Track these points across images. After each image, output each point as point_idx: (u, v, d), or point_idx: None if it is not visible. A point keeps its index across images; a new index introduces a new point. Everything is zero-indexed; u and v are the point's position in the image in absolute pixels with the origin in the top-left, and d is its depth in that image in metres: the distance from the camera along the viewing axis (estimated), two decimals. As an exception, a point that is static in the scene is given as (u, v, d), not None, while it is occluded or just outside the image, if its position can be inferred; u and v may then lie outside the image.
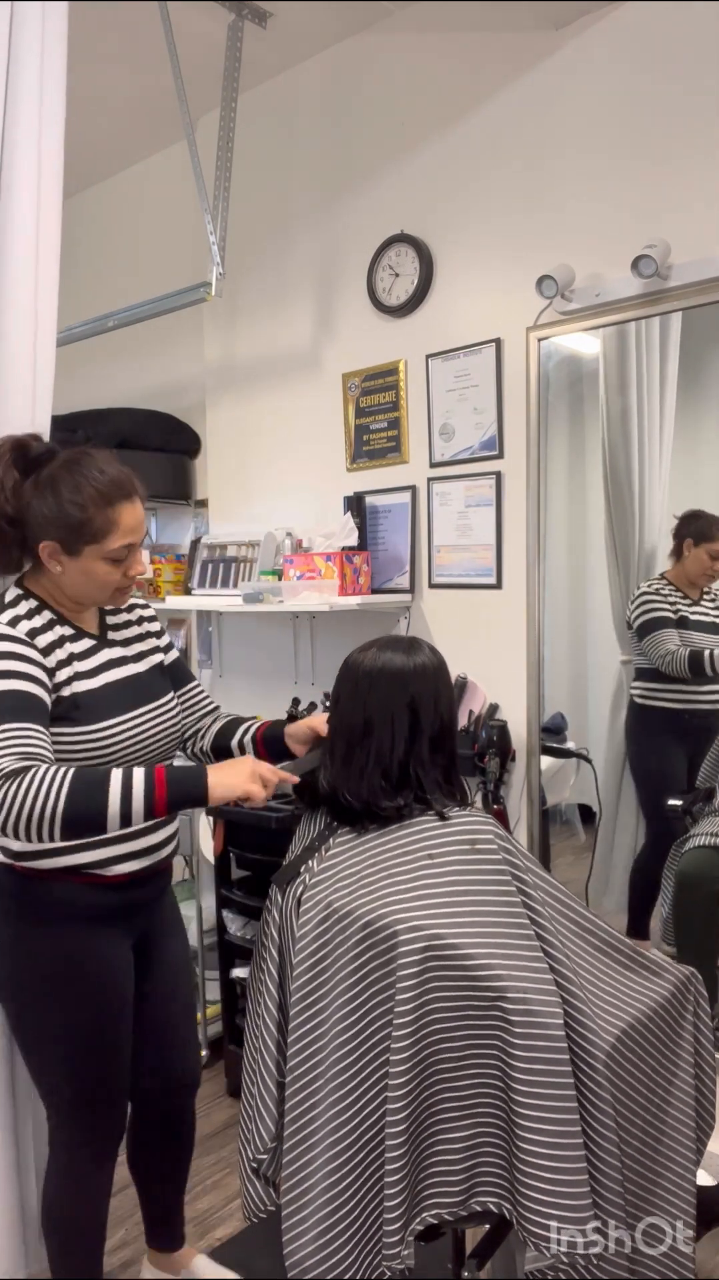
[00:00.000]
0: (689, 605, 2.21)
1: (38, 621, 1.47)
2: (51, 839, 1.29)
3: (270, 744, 1.66)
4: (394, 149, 2.60)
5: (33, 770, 1.27)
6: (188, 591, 3.10)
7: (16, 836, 1.28)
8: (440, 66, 2.48)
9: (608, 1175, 1.15)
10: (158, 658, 1.65)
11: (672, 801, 2.18)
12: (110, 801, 1.29)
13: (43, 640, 1.46)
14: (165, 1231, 1.87)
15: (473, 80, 2.41)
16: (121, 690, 1.53)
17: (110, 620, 1.62)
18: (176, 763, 1.52)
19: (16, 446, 1.48)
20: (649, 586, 2.25)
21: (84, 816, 1.28)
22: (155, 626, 1.70)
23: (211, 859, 2.66)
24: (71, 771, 1.29)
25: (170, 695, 1.64)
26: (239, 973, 2.61)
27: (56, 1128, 1.61)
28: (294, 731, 1.62)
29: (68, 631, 1.50)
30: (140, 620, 1.67)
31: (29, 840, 1.28)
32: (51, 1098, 1.59)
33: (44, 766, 1.29)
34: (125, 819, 1.30)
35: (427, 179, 2.53)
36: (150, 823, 1.52)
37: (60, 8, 1.73)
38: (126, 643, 1.60)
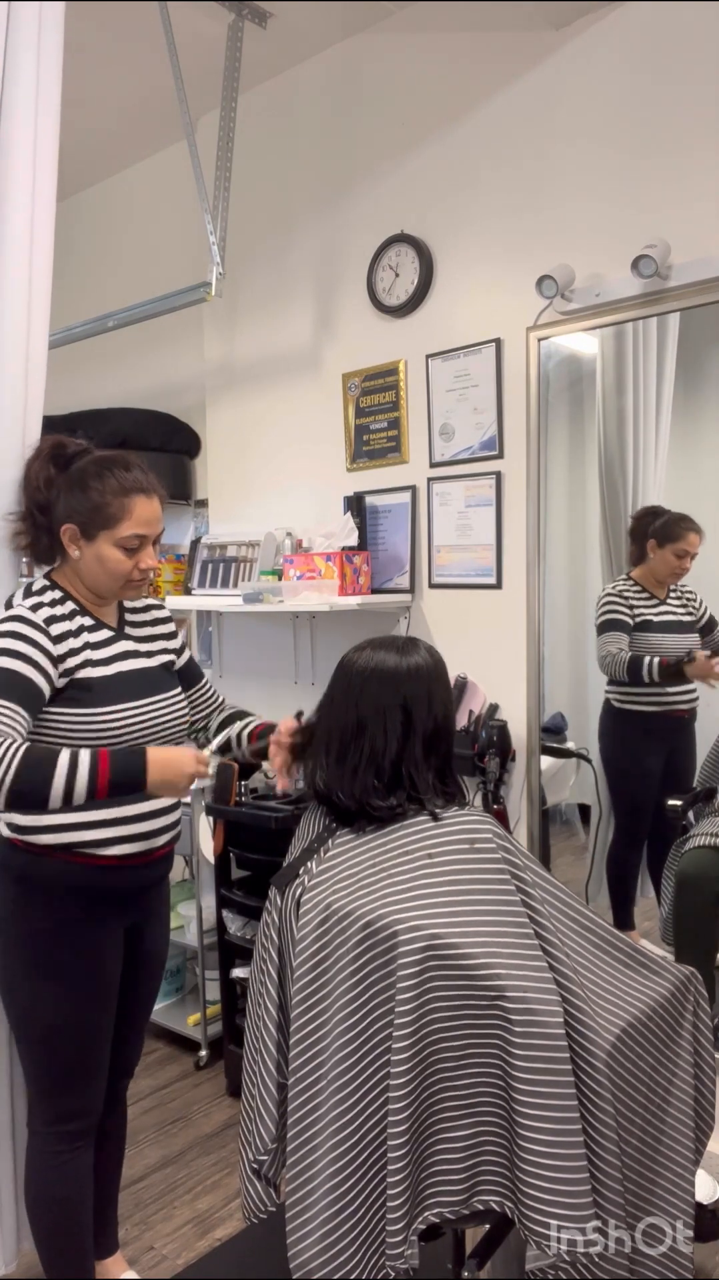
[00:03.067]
0: (654, 606, 2.22)
1: (59, 610, 1.57)
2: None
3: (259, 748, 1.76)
4: (394, 149, 2.60)
5: None
6: (188, 591, 3.10)
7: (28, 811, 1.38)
8: (440, 66, 2.48)
9: (608, 1174, 1.15)
10: (169, 657, 1.75)
11: (671, 801, 2.19)
12: (56, 779, 1.38)
13: (59, 627, 1.55)
14: (98, 1234, 1.84)
15: (473, 80, 2.41)
16: (132, 679, 1.62)
17: (129, 618, 1.72)
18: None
19: (56, 445, 1.66)
20: (613, 588, 2.27)
21: (28, 791, 1.37)
22: (169, 628, 1.79)
23: (211, 859, 2.66)
24: (25, 747, 1.39)
25: (178, 690, 1.73)
26: (239, 973, 2.61)
27: (35, 1105, 1.65)
28: (280, 739, 1.68)
29: (88, 622, 1.61)
30: (155, 622, 1.77)
31: None
32: (33, 1071, 1.63)
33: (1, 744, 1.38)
34: (68, 797, 1.39)
35: (427, 179, 2.53)
36: (147, 807, 1.61)
37: (57, 8, 1.73)
38: (141, 640, 1.70)
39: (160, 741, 1.65)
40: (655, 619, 2.21)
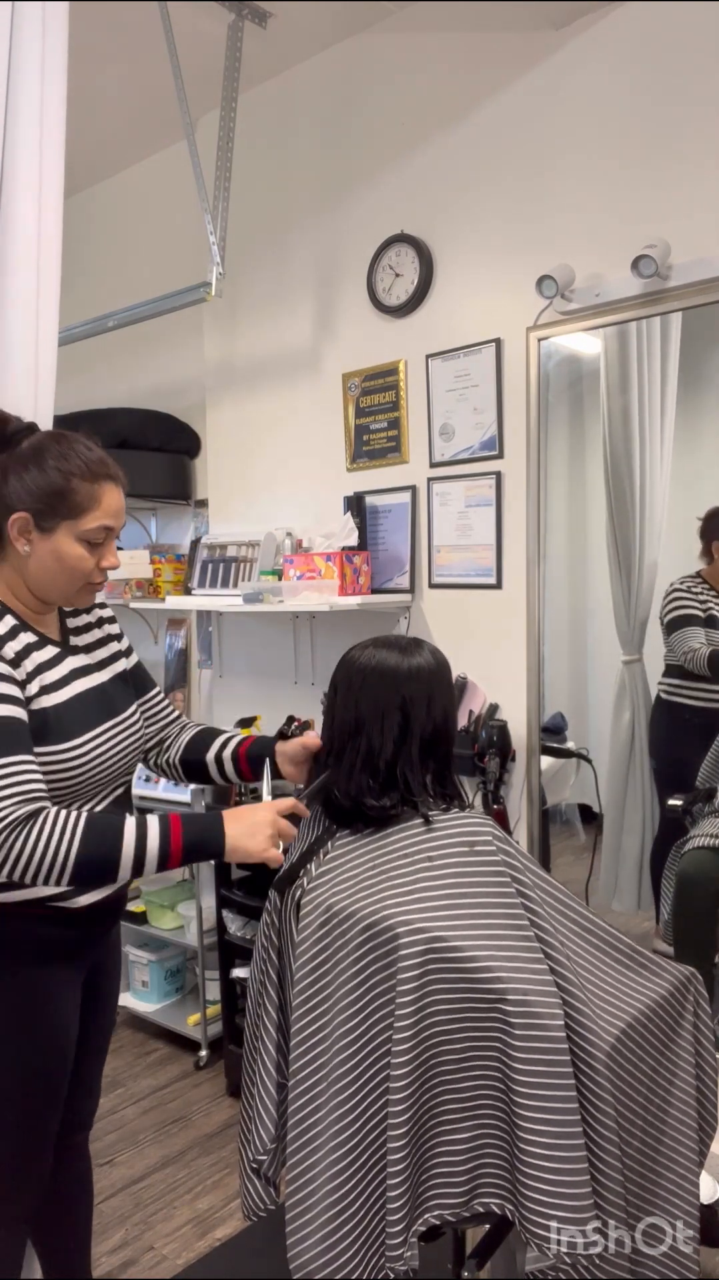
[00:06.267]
0: None
1: (2, 628, 1.34)
2: (58, 885, 1.25)
3: (255, 763, 1.56)
4: (394, 149, 2.60)
5: (42, 816, 1.22)
6: (188, 591, 3.10)
7: (21, 883, 1.24)
8: (440, 66, 2.48)
9: (608, 1175, 1.15)
10: (120, 665, 1.53)
11: (672, 801, 2.18)
12: (125, 850, 1.25)
13: (10, 649, 1.33)
14: None
15: (473, 80, 2.41)
16: (89, 703, 1.42)
17: (71, 623, 1.49)
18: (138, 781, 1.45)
19: None
20: (681, 583, 2.22)
21: (97, 864, 1.24)
22: (115, 629, 1.57)
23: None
24: (84, 818, 1.25)
25: (134, 708, 1.53)
26: (239, 973, 2.61)
27: None
28: (287, 750, 1.51)
29: (32, 639, 1.38)
30: (100, 622, 1.54)
31: (31, 884, 1.24)
32: None
33: (52, 811, 1.24)
34: (139, 868, 1.26)
35: (427, 179, 2.53)
36: None
37: (61, 8, 1.73)
38: (89, 649, 1.48)
39: (120, 768, 1.46)
40: None
